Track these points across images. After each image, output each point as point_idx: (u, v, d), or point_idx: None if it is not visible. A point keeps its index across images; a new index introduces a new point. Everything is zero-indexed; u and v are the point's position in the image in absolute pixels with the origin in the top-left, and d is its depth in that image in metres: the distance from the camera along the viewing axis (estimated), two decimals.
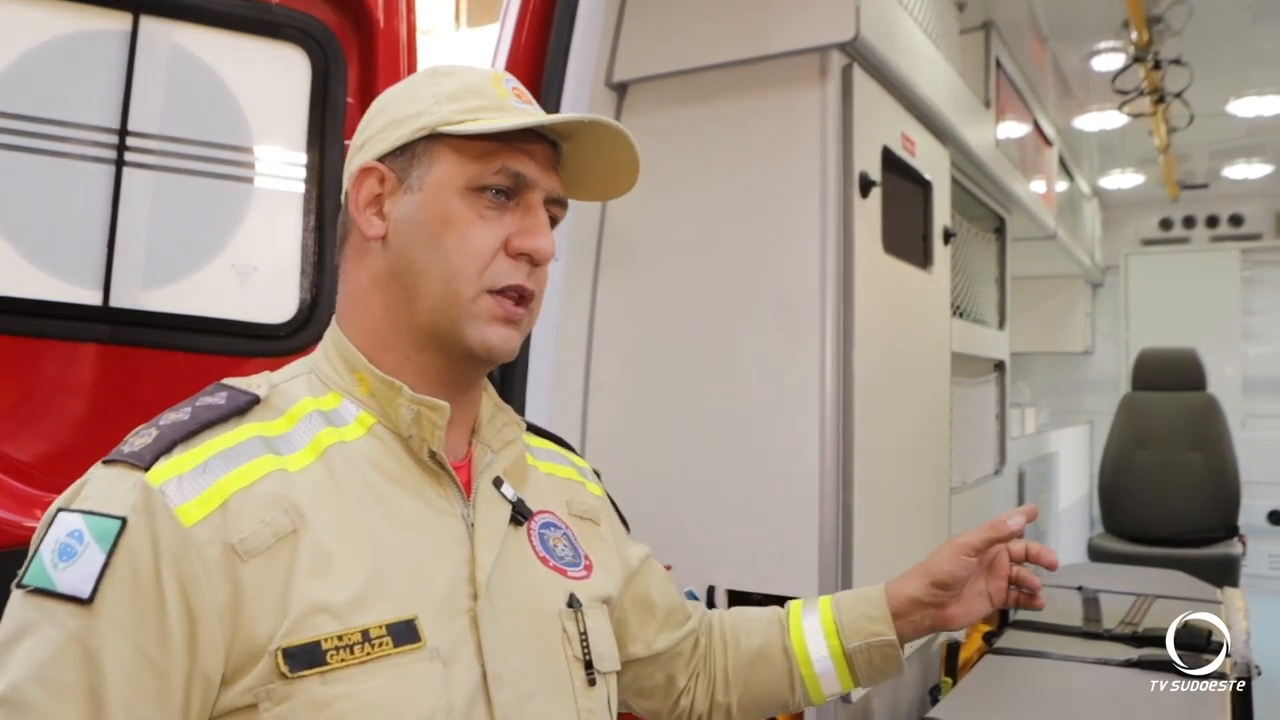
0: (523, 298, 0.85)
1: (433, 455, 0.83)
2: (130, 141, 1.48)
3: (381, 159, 0.85)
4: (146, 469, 0.72)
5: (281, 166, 1.59)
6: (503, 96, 0.86)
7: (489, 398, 0.94)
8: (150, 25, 1.50)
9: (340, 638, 0.72)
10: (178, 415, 0.77)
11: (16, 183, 1.42)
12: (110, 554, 0.68)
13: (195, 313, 1.53)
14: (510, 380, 1.86)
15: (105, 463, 0.75)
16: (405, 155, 0.84)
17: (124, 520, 0.70)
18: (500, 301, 0.83)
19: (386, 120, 0.86)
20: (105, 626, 0.68)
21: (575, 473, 1.06)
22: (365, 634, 0.73)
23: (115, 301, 1.47)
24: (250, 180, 1.58)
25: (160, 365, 1.50)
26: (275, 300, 1.58)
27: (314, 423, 0.81)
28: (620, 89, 2.08)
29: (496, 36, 1.93)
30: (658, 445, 1.96)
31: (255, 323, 1.55)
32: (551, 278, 1.94)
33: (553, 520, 0.96)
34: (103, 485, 0.73)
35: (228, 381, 0.82)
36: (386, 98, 0.90)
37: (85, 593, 0.67)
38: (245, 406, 0.79)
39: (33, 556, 0.71)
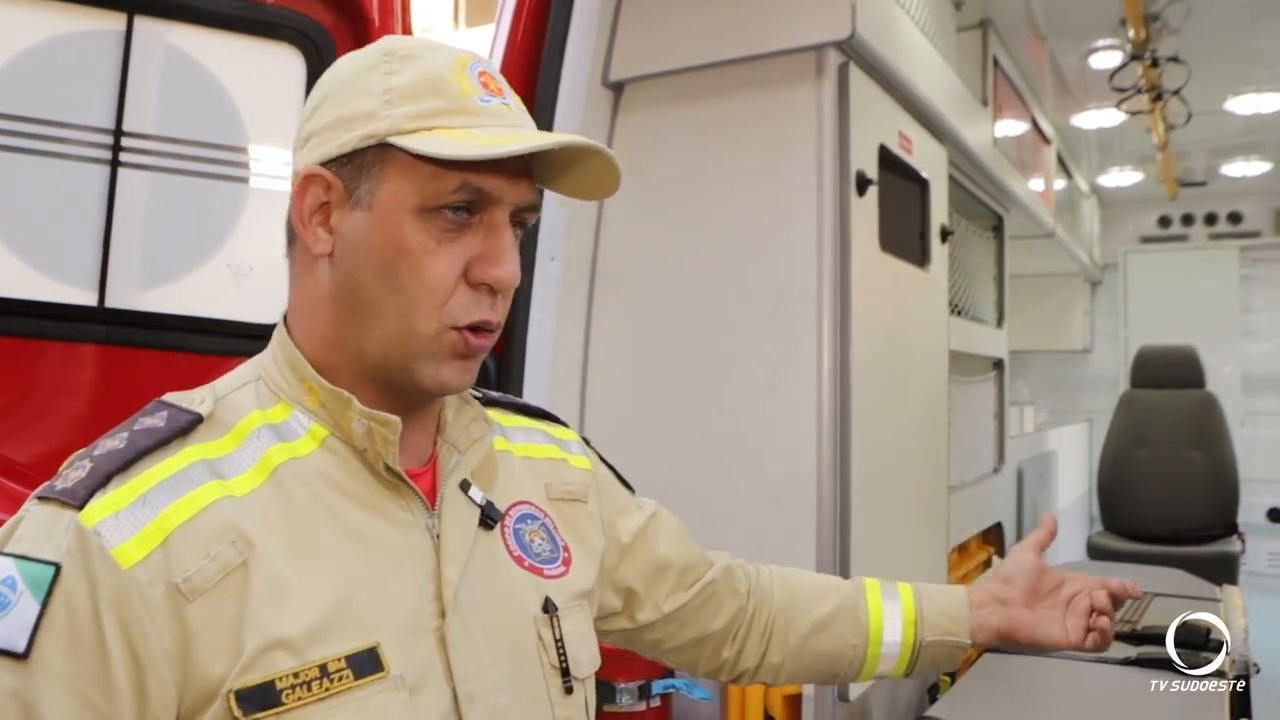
0: (486, 329, 0.79)
1: (389, 468, 0.79)
2: (125, 142, 1.48)
3: (327, 164, 0.77)
4: (80, 507, 0.68)
5: (277, 166, 1.59)
6: (466, 94, 0.76)
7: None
8: (145, 25, 1.50)
9: (296, 675, 0.69)
10: (113, 442, 0.73)
11: (12, 183, 1.42)
12: (45, 603, 0.65)
13: (191, 313, 1.53)
14: (507, 386, 1.86)
15: (39, 499, 0.71)
16: (353, 164, 0.76)
17: (58, 566, 0.66)
18: (464, 337, 0.77)
19: (333, 116, 0.77)
20: (43, 679, 0.65)
21: (557, 449, 1.00)
22: (323, 668, 0.70)
23: (111, 302, 1.47)
24: (246, 180, 1.58)
25: (156, 366, 1.50)
26: (272, 300, 1.57)
27: (262, 439, 0.76)
28: (616, 88, 2.07)
29: (493, 35, 1.93)
30: (655, 447, 1.95)
31: (252, 323, 1.55)
32: (548, 278, 1.97)
33: (531, 510, 0.91)
34: (36, 526, 0.69)
35: (168, 398, 0.77)
36: (334, 81, 0.79)
37: (20, 646, 0.65)
38: (187, 427, 0.74)
39: None
